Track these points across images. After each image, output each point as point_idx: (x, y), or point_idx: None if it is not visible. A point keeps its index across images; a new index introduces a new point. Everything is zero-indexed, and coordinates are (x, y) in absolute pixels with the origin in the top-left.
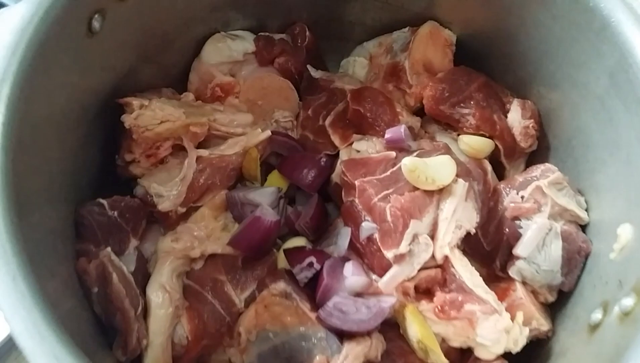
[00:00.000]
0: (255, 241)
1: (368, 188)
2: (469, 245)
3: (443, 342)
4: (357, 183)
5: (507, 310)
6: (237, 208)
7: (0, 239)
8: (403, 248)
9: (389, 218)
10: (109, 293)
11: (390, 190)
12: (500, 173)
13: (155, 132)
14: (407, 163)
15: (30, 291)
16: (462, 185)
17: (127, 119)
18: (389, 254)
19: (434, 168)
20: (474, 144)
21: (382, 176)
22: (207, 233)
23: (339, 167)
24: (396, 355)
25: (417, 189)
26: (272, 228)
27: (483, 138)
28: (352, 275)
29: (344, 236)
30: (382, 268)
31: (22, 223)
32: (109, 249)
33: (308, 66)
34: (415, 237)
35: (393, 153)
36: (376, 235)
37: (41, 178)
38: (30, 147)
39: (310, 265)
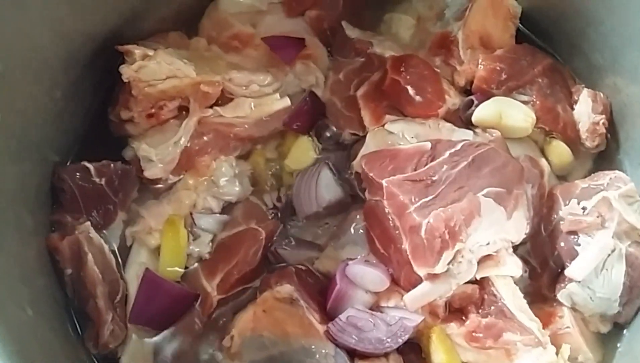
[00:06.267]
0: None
1: (399, 193)
2: None
3: None
4: (384, 183)
5: (550, 338)
6: None
7: None
8: (439, 268)
9: (423, 234)
10: (82, 276)
11: (429, 198)
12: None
13: (159, 90)
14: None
15: None
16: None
17: (126, 71)
18: (421, 272)
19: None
20: (565, 155)
21: (417, 172)
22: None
23: (360, 154)
24: None
25: (461, 189)
26: None
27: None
28: (367, 265)
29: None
30: (411, 283)
31: None
32: (88, 223)
33: (343, 23)
34: (457, 254)
35: (428, 144)
36: (405, 246)
37: (7, 128)
38: None
39: None
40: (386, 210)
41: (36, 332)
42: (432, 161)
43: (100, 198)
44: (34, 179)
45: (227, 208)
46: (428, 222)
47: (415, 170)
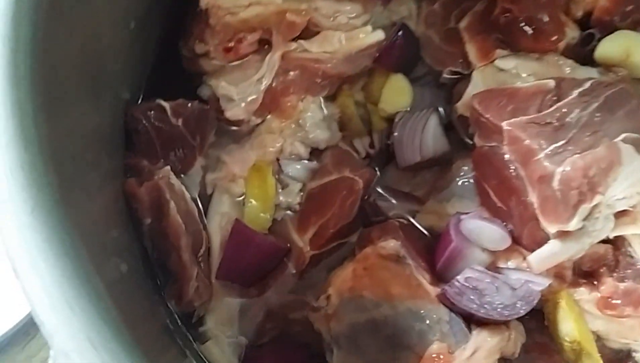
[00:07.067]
0: None
1: (525, 138)
2: None
3: (597, 339)
4: (505, 126)
5: None
6: None
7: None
8: (574, 225)
9: (556, 185)
10: (164, 226)
11: (560, 143)
12: None
13: (241, 19)
14: None
15: (55, 223)
16: None
17: None
18: (551, 229)
19: None
20: None
21: (542, 114)
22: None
23: (467, 94)
24: (536, 352)
25: (595, 133)
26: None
27: None
28: (484, 221)
29: None
30: (535, 241)
31: (52, 121)
32: (167, 168)
33: None
34: (594, 209)
35: (551, 82)
36: (532, 198)
37: (85, 55)
38: (65, 22)
39: None
40: (506, 157)
41: (126, 288)
42: (558, 101)
43: (177, 141)
44: (109, 118)
45: (314, 154)
46: (563, 171)
47: (539, 112)
